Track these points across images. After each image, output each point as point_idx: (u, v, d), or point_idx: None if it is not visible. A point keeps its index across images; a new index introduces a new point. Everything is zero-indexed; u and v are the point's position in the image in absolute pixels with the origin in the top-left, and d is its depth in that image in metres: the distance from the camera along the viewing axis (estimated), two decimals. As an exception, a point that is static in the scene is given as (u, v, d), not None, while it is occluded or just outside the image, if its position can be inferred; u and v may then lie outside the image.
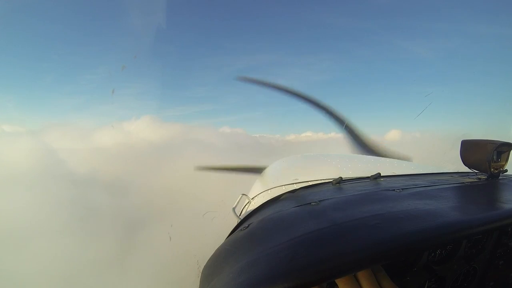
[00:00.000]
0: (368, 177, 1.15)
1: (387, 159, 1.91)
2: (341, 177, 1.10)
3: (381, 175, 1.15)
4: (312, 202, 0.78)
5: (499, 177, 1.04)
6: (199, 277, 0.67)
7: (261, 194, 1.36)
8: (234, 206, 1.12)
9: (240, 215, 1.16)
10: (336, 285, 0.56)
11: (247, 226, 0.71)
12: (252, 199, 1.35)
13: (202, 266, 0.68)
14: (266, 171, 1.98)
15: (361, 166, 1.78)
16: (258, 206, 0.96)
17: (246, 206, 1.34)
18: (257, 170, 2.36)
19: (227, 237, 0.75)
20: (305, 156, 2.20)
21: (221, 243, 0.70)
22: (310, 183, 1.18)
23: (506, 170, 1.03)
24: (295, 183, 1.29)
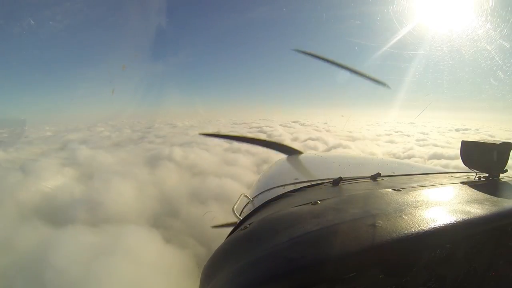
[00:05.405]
0: (368, 177, 1.15)
1: (387, 159, 1.91)
2: (341, 177, 1.10)
3: (381, 175, 1.15)
4: (312, 202, 0.78)
5: (499, 177, 1.04)
6: (199, 277, 0.67)
7: (261, 194, 1.36)
8: (234, 206, 1.11)
9: (240, 215, 1.16)
10: (336, 285, 0.56)
11: (247, 226, 0.71)
12: (252, 199, 1.35)
13: (202, 266, 0.68)
14: (266, 171, 1.98)
15: (361, 166, 1.78)
16: (258, 206, 0.96)
17: (246, 206, 1.34)
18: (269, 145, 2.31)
19: (227, 237, 0.75)
20: (305, 156, 2.19)
21: (221, 243, 0.70)
22: (310, 183, 1.18)
23: (506, 170, 1.03)
24: (295, 183, 1.29)
